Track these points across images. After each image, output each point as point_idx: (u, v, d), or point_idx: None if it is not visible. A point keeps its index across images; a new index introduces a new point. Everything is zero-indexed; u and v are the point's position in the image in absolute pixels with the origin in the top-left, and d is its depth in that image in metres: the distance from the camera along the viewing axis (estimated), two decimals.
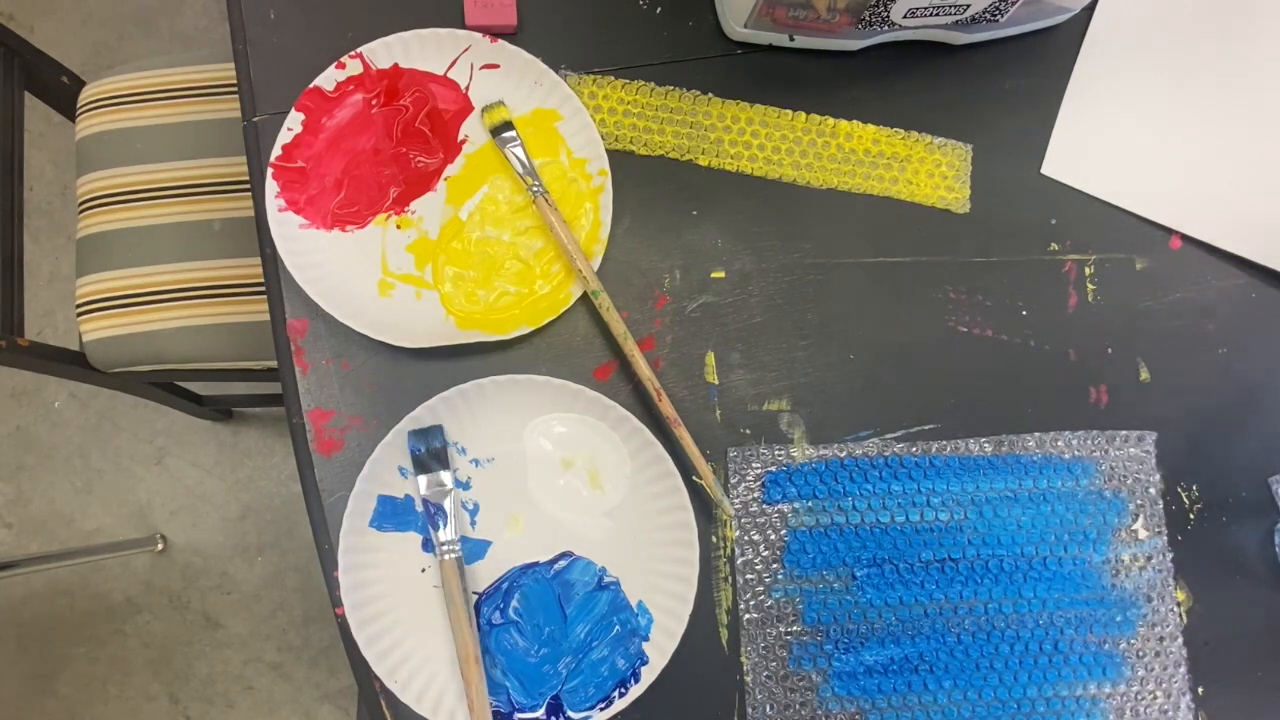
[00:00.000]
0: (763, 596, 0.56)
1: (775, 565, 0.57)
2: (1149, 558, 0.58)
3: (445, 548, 0.53)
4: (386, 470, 0.55)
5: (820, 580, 0.57)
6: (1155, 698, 0.57)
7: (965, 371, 0.60)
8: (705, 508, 0.56)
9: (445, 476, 0.55)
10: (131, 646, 1.31)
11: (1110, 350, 0.61)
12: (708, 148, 0.61)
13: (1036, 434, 0.59)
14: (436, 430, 0.55)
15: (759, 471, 0.58)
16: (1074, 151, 0.62)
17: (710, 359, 0.59)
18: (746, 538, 0.57)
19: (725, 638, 0.55)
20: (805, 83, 0.63)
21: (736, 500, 0.57)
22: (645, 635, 0.54)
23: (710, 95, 0.62)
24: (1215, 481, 0.59)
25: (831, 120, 0.62)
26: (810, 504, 0.58)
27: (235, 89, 0.61)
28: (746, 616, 0.56)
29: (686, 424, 0.55)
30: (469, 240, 0.58)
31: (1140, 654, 0.57)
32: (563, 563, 0.55)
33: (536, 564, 0.55)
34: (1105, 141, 0.62)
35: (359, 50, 0.58)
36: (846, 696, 0.55)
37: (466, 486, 0.56)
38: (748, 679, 0.55)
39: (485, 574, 0.55)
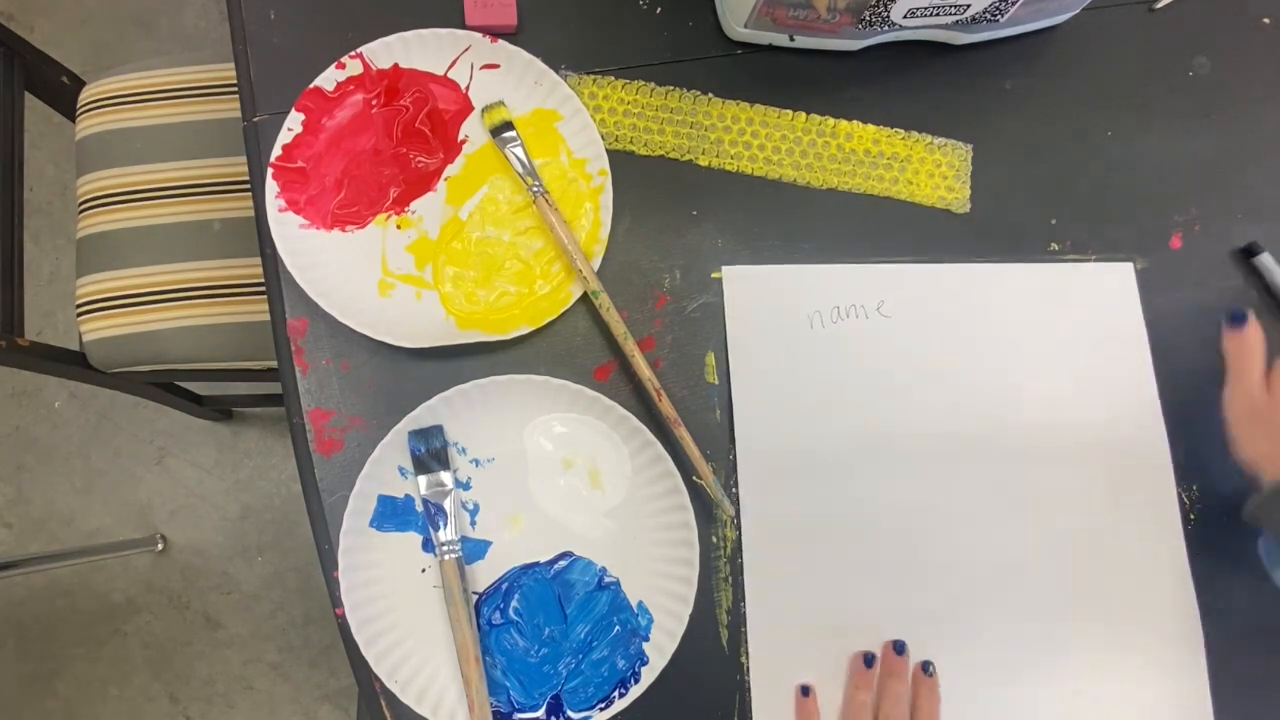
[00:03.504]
0: None
1: None
2: None
3: (445, 548, 0.53)
4: (386, 470, 0.55)
5: None
6: None
7: None
8: (705, 508, 0.56)
9: (445, 476, 0.55)
10: (131, 646, 1.31)
11: None
12: (708, 148, 0.61)
13: None
14: (436, 430, 0.55)
15: None
16: None
17: (710, 359, 0.59)
18: None
19: (725, 638, 0.55)
20: (805, 83, 0.63)
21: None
22: (645, 635, 0.54)
23: (710, 95, 0.62)
24: (1215, 481, 0.59)
25: (831, 120, 0.62)
26: None
27: (235, 89, 0.61)
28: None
29: (686, 424, 0.55)
30: (469, 240, 0.58)
31: None
32: (563, 563, 0.55)
33: (536, 564, 0.55)
34: None
35: (359, 50, 0.58)
36: None
37: (467, 486, 0.56)
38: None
39: (485, 574, 0.55)
